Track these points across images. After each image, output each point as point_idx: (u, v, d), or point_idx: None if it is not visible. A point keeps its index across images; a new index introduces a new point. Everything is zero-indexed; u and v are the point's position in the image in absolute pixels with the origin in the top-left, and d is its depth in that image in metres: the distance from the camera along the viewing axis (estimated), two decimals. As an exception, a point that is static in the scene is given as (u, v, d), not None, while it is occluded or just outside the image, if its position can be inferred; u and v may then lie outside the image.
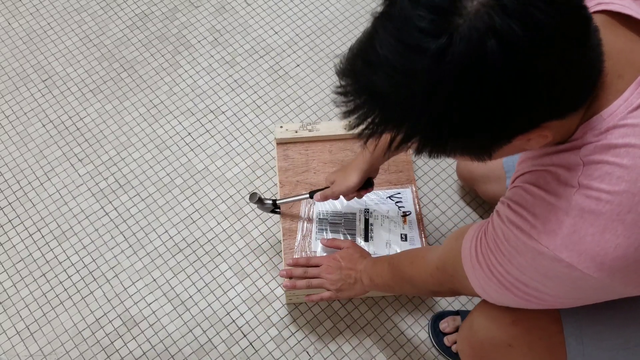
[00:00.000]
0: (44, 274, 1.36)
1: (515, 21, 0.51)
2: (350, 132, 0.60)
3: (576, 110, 0.61)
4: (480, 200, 1.45)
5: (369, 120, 0.58)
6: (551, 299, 0.73)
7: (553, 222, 0.64)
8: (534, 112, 0.57)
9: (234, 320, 1.31)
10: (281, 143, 1.42)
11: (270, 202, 1.28)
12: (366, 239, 1.31)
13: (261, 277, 1.36)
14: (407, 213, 1.34)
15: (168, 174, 1.50)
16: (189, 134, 1.56)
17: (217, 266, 1.38)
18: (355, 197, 1.24)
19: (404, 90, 0.54)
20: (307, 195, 1.24)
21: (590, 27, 0.57)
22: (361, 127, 0.59)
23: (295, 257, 1.25)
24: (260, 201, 1.27)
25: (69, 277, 1.36)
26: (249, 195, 1.30)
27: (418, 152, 0.60)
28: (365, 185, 1.20)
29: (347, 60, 0.60)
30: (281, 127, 1.41)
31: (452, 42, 0.51)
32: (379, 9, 0.58)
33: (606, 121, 0.61)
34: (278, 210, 1.32)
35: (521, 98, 0.54)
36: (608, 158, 0.60)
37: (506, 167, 1.18)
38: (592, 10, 0.63)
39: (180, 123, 1.57)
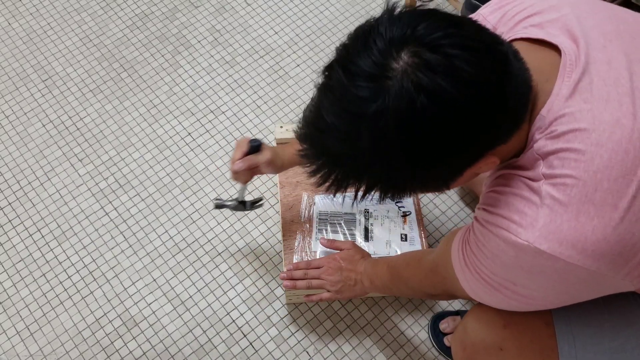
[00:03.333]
0: (44, 274, 1.36)
1: (441, 75, 0.56)
2: (318, 188, 0.66)
3: (518, 129, 0.65)
4: (480, 201, 1.45)
5: (332, 178, 0.65)
6: (541, 299, 0.73)
7: (529, 216, 0.65)
8: (474, 147, 0.62)
9: (234, 320, 1.31)
10: (282, 143, 1.42)
11: (235, 202, 1.25)
12: (366, 239, 1.31)
13: (261, 277, 1.36)
14: (407, 213, 1.34)
15: (168, 174, 1.50)
16: (189, 134, 1.56)
17: (217, 266, 1.38)
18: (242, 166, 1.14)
19: (354, 150, 0.61)
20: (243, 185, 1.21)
21: (509, 58, 0.61)
22: (326, 184, 0.66)
23: (296, 262, 1.25)
24: (221, 206, 1.26)
25: (69, 277, 1.36)
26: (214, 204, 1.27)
27: (381, 198, 0.67)
28: (251, 150, 1.12)
29: (303, 127, 0.66)
30: (281, 127, 1.41)
31: (386, 104, 0.57)
32: (320, 79, 0.65)
33: (547, 117, 0.65)
34: (258, 204, 1.28)
35: (459, 140, 0.60)
36: (561, 145, 0.63)
37: None
38: (508, 39, 0.70)
39: (180, 123, 1.57)
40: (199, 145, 1.54)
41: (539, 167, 0.65)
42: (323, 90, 0.64)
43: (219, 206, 1.26)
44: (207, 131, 1.56)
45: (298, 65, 1.67)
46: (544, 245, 0.64)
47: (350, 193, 0.67)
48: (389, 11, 0.62)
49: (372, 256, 1.19)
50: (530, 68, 0.64)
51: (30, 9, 1.76)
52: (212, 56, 1.68)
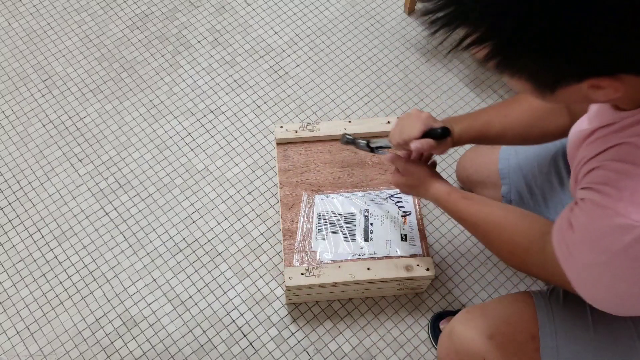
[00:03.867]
0: (44, 274, 1.36)
1: None
2: (425, 16, 0.55)
3: None
4: (480, 200, 1.45)
5: (449, 9, 0.54)
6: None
7: None
8: (615, 53, 0.52)
9: (234, 320, 1.31)
10: (281, 143, 1.42)
11: (365, 142, 1.19)
12: (366, 239, 1.31)
13: (261, 277, 1.36)
14: (407, 213, 1.34)
15: (168, 174, 1.50)
16: (189, 134, 1.56)
17: (217, 266, 1.38)
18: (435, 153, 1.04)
19: None
20: (389, 146, 1.13)
21: None
22: (438, 14, 0.54)
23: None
24: (351, 142, 1.20)
25: (69, 277, 1.36)
26: (342, 136, 1.21)
27: (487, 59, 0.56)
28: (440, 134, 1.00)
29: None
30: (281, 127, 1.41)
31: None
32: None
33: None
34: (381, 148, 1.19)
35: (607, 32, 0.50)
36: None
37: (502, 173, 1.18)
38: None
39: (180, 123, 1.57)
40: (199, 145, 1.54)
41: None
42: None
43: (348, 142, 1.20)
44: (207, 131, 1.56)
45: (298, 65, 1.67)
46: None
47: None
48: None
49: (356, 258, 1.07)
50: None
51: (30, 9, 1.76)
52: (212, 56, 1.68)
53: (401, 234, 1.32)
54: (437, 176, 1.02)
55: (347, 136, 1.22)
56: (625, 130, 0.61)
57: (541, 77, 0.58)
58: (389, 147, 1.15)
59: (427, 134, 0.99)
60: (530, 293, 0.90)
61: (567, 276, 0.69)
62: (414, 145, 0.98)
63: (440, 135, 0.99)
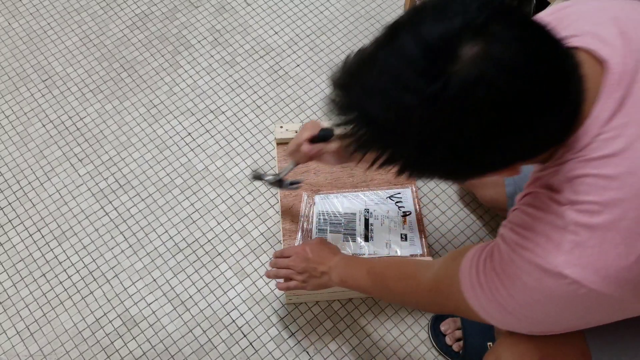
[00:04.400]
0: (44, 274, 1.36)
1: (505, 74, 0.54)
2: (301, 161, 0.64)
3: (554, 147, 0.64)
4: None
5: (357, 136, 0.61)
6: (555, 323, 0.72)
7: (555, 240, 0.64)
8: (511, 155, 0.61)
9: (234, 320, 1.31)
10: (281, 143, 1.42)
11: (274, 176, 1.23)
12: (366, 239, 1.31)
13: (261, 277, 1.36)
14: (407, 213, 1.34)
15: (168, 174, 1.50)
16: (189, 134, 1.56)
17: (217, 266, 1.38)
18: (308, 150, 1.11)
19: (395, 122, 0.58)
20: (292, 165, 1.19)
21: (570, 76, 0.60)
22: (348, 140, 0.62)
23: (274, 252, 1.24)
24: (260, 178, 1.23)
25: (69, 277, 1.36)
26: (251, 176, 1.25)
27: (398, 174, 0.64)
28: (322, 136, 1.09)
29: (344, 74, 0.62)
30: (281, 127, 1.41)
31: (445, 87, 0.54)
32: (382, 33, 0.60)
33: (582, 140, 0.63)
34: (296, 184, 1.25)
35: (501, 143, 0.58)
36: (589, 171, 0.62)
37: None
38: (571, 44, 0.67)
39: (180, 123, 1.57)
40: (199, 145, 1.54)
41: (564, 190, 0.64)
42: (383, 48, 0.59)
43: (257, 177, 1.23)
44: (207, 131, 1.56)
45: (298, 65, 1.67)
46: (568, 270, 0.63)
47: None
48: None
49: (342, 253, 1.16)
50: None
51: (30, 9, 1.76)
52: (212, 56, 1.68)
53: (401, 234, 1.32)
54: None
55: (256, 172, 1.24)
56: (535, 182, 0.70)
57: (450, 179, 0.68)
58: (299, 182, 1.25)
59: (315, 138, 1.08)
60: None
61: (467, 299, 0.77)
62: (305, 147, 1.08)
63: (322, 137, 1.08)
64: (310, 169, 1.39)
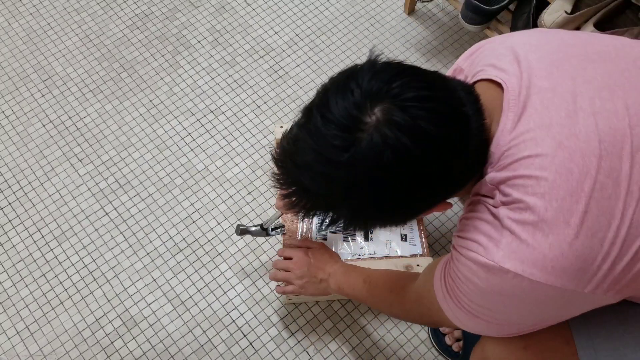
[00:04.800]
0: (44, 274, 1.36)
1: (406, 135, 0.62)
2: (287, 211, 0.73)
3: (473, 178, 0.72)
4: (480, 201, 1.45)
5: (301, 205, 0.70)
6: (520, 322, 0.75)
7: (493, 238, 0.68)
8: (433, 197, 0.69)
9: (234, 320, 1.31)
10: (281, 143, 1.42)
11: (257, 227, 1.26)
12: (366, 239, 1.31)
13: (261, 277, 1.36)
14: (407, 213, 1.34)
15: (168, 174, 1.50)
16: (189, 134, 1.56)
17: (217, 266, 1.38)
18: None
19: (325, 189, 0.66)
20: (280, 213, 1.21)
21: (470, 120, 0.67)
22: (295, 209, 0.71)
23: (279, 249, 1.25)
24: (245, 232, 1.26)
25: (69, 277, 1.36)
26: (235, 229, 1.27)
27: (345, 229, 0.73)
28: None
29: (280, 155, 0.71)
30: (281, 127, 1.41)
31: (357, 154, 0.62)
32: (300, 117, 0.70)
33: (496, 152, 0.70)
34: (279, 230, 1.28)
35: (419, 192, 0.67)
36: (509, 174, 0.68)
37: None
38: (473, 80, 0.77)
39: (180, 123, 1.57)
40: (199, 145, 1.54)
41: (494, 194, 0.70)
42: (302, 129, 0.68)
43: (243, 232, 1.26)
44: (207, 131, 1.56)
45: (298, 65, 1.67)
46: (508, 264, 0.66)
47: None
48: (370, 62, 0.67)
49: (342, 261, 1.18)
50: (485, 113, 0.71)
51: (30, 9, 1.76)
52: (212, 56, 1.68)
53: (401, 234, 1.32)
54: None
55: (241, 227, 1.26)
56: (472, 196, 0.77)
57: (390, 224, 0.75)
58: (282, 227, 1.28)
59: None
60: None
61: (442, 309, 0.82)
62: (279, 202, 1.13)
63: None
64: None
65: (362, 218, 0.71)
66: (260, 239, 1.41)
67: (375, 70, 0.66)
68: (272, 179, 0.73)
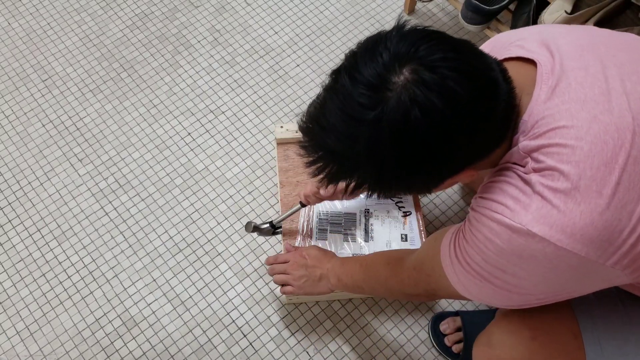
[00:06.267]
0: (44, 274, 1.36)
1: (434, 94, 0.62)
2: (313, 179, 0.73)
3: (499, 147, 0.72)
4: (480, 201, 1.45)
5: (326, 171, 0.71)
6: (531, 288, 0.74)
7: (522, 202, 0.69)
8: (457, 161, 0.69)
9: (234, 320, 1.31)
10: (282, 143, 1.42)
11: (267, 225, 1.29)
12: (366, 239, 1.31)
13: (261, 277, 1.36)
14: (408, 213, 1.34)
15: (168, 174, 1.50)
16: (189, 134, 1.56)
17: (217, 266, 1.38)
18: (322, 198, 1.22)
19: (351, 150, 0.67)
20: (299, 206, 1.25)
21: (499, 84, 0.67)
22: (321, 176, 0.72)
23: (267, 257, 1.28)
24: (256, 229, 1.28)
25: (69, 277, 1.36)
26: (245, 225, 1.31)
27: (369, 195, 0.73)
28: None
29: (305, 121, 0.72)
30: (281, 127, 1.41)
31: (384, 113, 0.63)
32: (327, 81, 0.70)
33: (529, 121, 0.70)
34: (279, 230, 1.31)
35: (444, 154, 0.66)
36: (543, 142, 0.68)
37: None
38: (504, 57, 0.77)
39: (180, 123, 1.57)
40: (199, 145, 1.54)
41: (527, 162, 0.70)
42: (329, 91, 0.68)
43: (254, 229, 1.29)
44: (207, 131, 1.56)
45: (298, 65, 1.67)
46: (536, 228, 0.67)
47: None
48: (398, 27, 0.68)
49: (339, 256, 1.19)
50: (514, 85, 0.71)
51: (30, 9, 1.76)
52: (212, 56, 1.68)
53: (401, 234, 1.32)
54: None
55: (253, 224, 1.29)
56: (499, 166, 0.77)
57: (415, 191, 0.79)
58: (281, 228, 1.30)
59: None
60: None
61: (447, 275, 0.82)
62: (323, 191, 1.17)
63: None
64: (310, 169, 1.39)
65: (386, 182, 0.71)
66: (261, 239, 1.41)
67: (402, 33, 0.66)
68: (299, 145, 0.73)
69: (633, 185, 0.66)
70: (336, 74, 0.69)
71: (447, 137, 0.64)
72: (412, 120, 0.62)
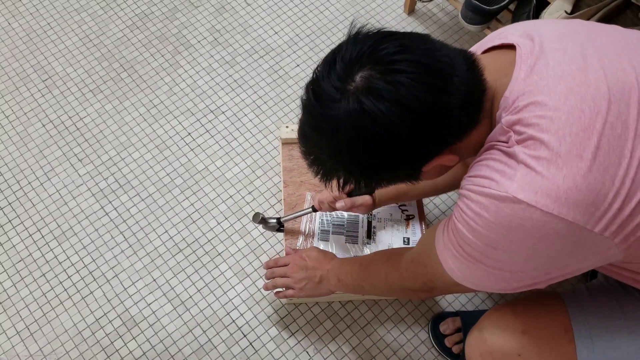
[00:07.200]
0: (44, 274, 1.36)
1: (381, 99, 0.68)
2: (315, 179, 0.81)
3: (471, 129, 0.75)
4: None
5: (320, 172, 0.79)
6: (523, 265, 0.74)
7: (508, 174, 0.71)
8: (421, 153, 0.74)
9: (234, 320, 1.31)
10: (287, 143, 1.42)
11: (275, 220, 1.30)
12: (369, 241, 1.31)
13: (261, 277, 1.36)
14: (411, 217, 1.34)
15: (168, 174, 1.50)
16: (189, 134, 1.56)
17: (217, 266, 1.38)
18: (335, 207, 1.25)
19: (325, 155, 0.76)
20: (310, 210, 1.26)
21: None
22: (318, 176, 0.80)
23: (266, 261, 1.28)
24: (263, 221, 1.29)
25: (69, 277, 1.36)
26: (252, 215, 1.32)
27: (358, 188, 0.80)
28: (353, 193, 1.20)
29: (298, 130, 0.80)
30: (287, 127, 1.42)
31: (339, 121, 0.70)
32: (303, 98, 0.77)
33: (510, 97, 0.73)
34: (282, 228, 1.32)
35: (402, 150, 0.71)
36: (524, 115, 0.71)
37: None
38: (482, 51, 0.82)
39: (180, 123, 1.57)
40: (199, 145, 1.54)
41: (511, 137, 0.72)
42: (302, 106, 0.77)
43: (261, 222, 1.30)
44: (207, 131, 1.56)
45: (298, 65, 1.67)
46: (521, 194, 0.68)
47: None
48: (350, 35, 0.73)
49: (353, 256, 1.20)
50: (491, 70, 0.74)
51: (30, 9, 1.76)
52: (212, 56, 1.68)
53: (404, 238, 1.32)
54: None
55: (261, 215, 1.30)
56: (482, 150, 0.80)
57: (400, 180, 0.81)
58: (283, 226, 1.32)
59: (349, 193, 1.19)
60: (555, 290, 0.92)
61: (441, 262, 0.84)
62: (339, 204, 1.21)
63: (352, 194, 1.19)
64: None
65: (364, 175, 0.77)
66: (261, 238, 1.41)
67: (354, 40, 0.72)
68: (300, 151, 0.82)
69: (612, 149, 0.67)
70: (306, 89, 0.76)
71: (395, 137, 0.69)
72: (361, 127, 0.69)
